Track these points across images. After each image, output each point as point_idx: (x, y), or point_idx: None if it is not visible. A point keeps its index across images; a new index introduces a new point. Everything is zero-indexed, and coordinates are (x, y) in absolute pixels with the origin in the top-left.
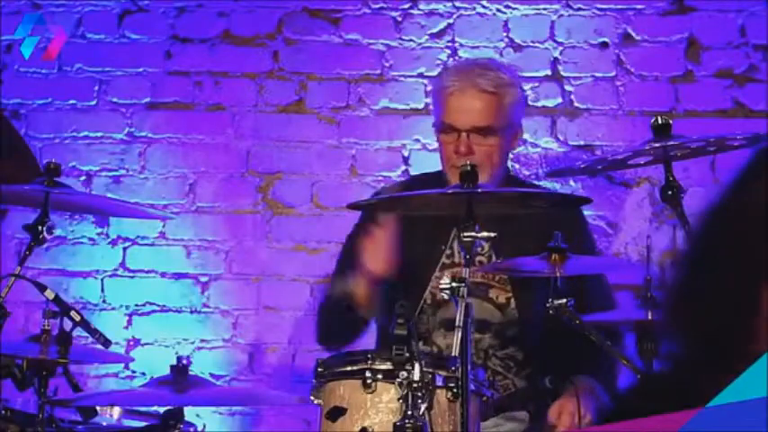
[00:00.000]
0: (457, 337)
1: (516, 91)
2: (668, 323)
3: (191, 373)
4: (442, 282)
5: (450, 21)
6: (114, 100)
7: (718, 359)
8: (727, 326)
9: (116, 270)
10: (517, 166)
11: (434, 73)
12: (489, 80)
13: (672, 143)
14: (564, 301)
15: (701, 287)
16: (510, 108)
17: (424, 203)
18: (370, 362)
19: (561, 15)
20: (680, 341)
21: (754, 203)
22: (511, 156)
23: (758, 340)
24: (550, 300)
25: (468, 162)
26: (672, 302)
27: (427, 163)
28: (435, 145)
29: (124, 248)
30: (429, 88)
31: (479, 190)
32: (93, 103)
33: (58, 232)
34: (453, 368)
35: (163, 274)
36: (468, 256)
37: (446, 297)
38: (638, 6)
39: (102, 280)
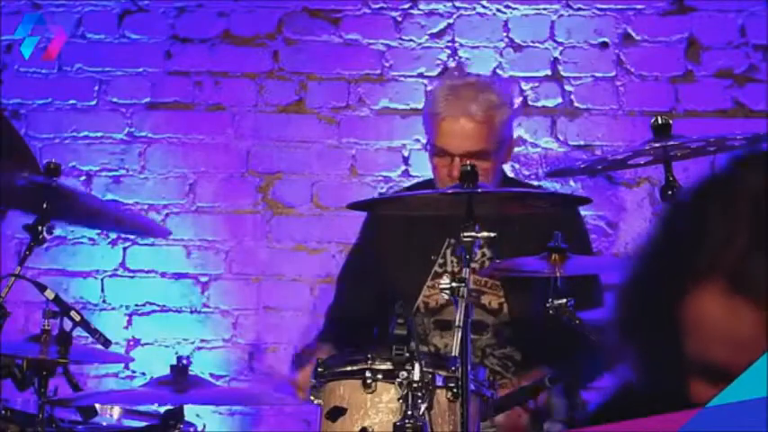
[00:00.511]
0: (457, 337)
1: (506, 109)
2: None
3: (191, 373)
4: (441, 282)
5: (451, 21)
6: (114, 100)
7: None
8: (655, 325)
9: (116, 270)
10: (517, 166)
11: (434, 73)
12: (479, 105)
13: (672, 143)
14: (564, 301)
15: (638, 284)
16: (501, 128)
17: (424, 204)
18: (370, 362)
19: (561, 15)
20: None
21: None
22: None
23: (689, 345)
24: (550, 300)
25: (468, 162)
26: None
27: (427, 163)
28: None
29: (124, 248)
30: (429, 88)
31: (479, 190)
32: (93, 103)
33: (57, 232)
34: (453, 368)
35: (163, 274)
36: (468, 256)
37: (446, 297)
38: (638, 6)
39: (102, 280)
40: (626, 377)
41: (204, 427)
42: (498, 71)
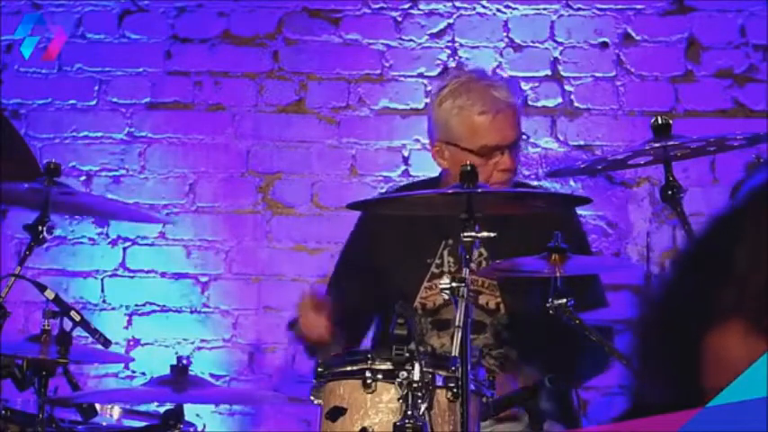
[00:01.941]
0: (457, 337)
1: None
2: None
3: (191, 373)
4: (441, 282)
5: (451, 21)
6: (114, 100)
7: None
8: (676, 363)
9: (116, 270)
10: None
11: (434, 73)
12: (506, 92)
13: (672, 143)
14: (564, 300)
15: (659, 320)
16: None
17: (424, 204)
18: (370, 362)
19: (561, 15)
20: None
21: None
22: None
23: (706, 379)
24: (550, 300)
25: (469, 163)
26: (636, 337)
27: (427, 163)
28: None
29: (124, 248)
30: (429, 88)
31: (479, 190)
32: (93, 103)
33: (57, 232)
34: (453, 368)
35: (163, 274)
36: (467, 256)
37: (445, 297)
38: (638, 6)
39: (102, 280)
40: (640, 401)
41: (204, 427)
42: (498, 71)
